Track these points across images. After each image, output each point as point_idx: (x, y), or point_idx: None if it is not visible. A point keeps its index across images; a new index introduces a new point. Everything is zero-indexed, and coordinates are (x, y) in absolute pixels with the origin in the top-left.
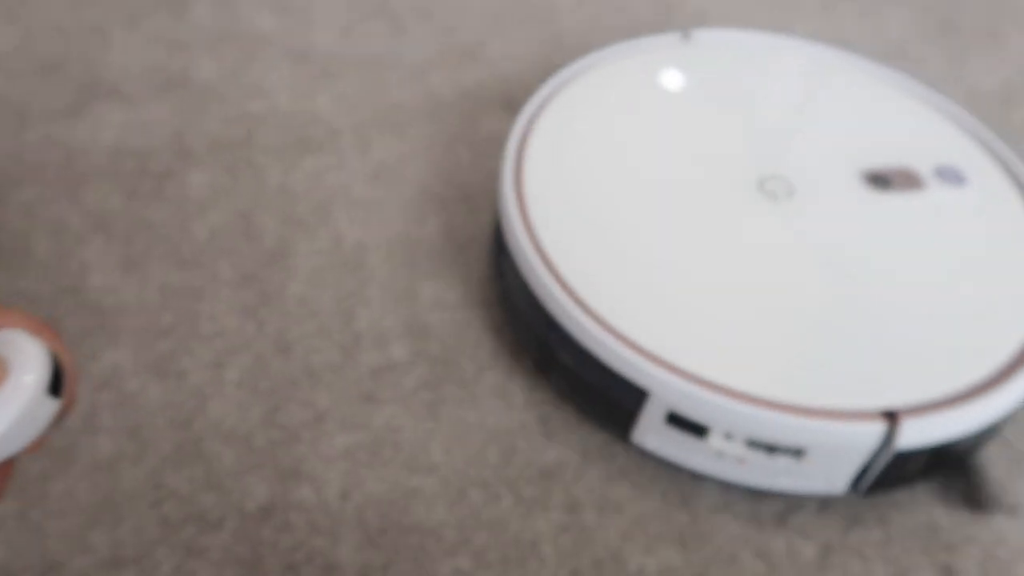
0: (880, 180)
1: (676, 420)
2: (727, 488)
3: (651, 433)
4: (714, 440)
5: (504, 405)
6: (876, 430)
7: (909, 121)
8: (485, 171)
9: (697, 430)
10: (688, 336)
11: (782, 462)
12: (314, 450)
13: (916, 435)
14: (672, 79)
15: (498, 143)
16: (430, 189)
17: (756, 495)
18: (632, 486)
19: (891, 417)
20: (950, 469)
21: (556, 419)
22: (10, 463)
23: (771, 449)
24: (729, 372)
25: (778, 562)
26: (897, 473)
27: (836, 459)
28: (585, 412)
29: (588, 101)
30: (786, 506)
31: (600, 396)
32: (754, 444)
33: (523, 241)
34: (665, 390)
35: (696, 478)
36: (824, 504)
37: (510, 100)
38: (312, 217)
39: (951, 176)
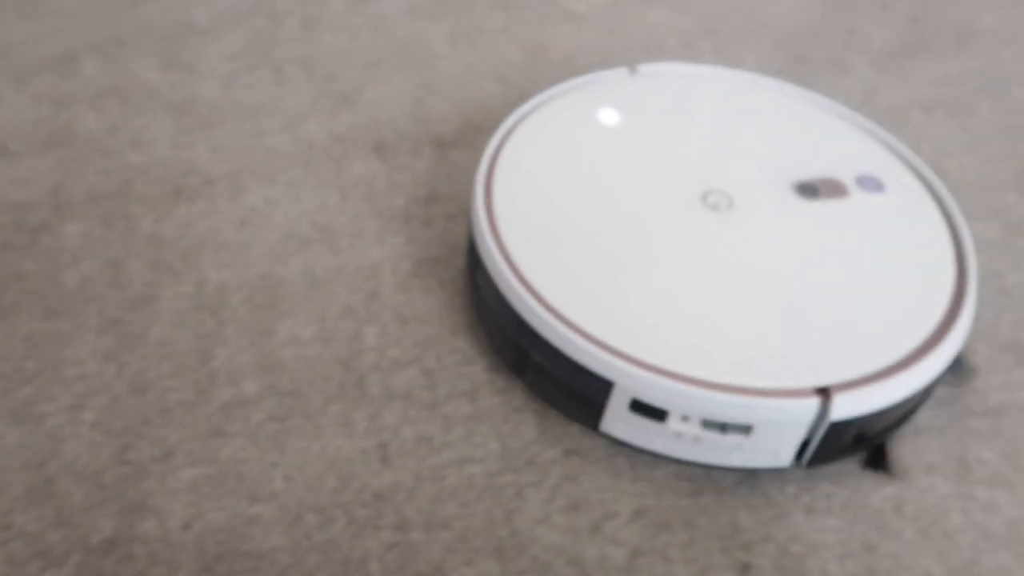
0: (809, 189)
1: (639, 407)
2: (550, 500)
3: (617, 421)
4: (672, 423)
5: (346, 433)
6: (812, 405)
7: (831, 136)
8: (352, 213)
9: (658, 415)
10: (647, 331)
11: (733, 439)
12: (161, 484)
13: (846, 408)
14: (624, 108)
15: (367, 186)
16: (296, 232)
17: (575, 507)
18: (459, 505)
19: (824, 393)
20: (874, 442)
21: (394, 445)
22: None
23: (723, 428)
24: (684, 361)
25: (589, 568)
26: (834, 444)
27: (780, 433)
28: (558, 407)
29: (549, 129)
30: (602, 515)
31: (571, 391)
32: (708, 424)
33: (496, 256)
34: (628, 380)
35: (519, 495)
36: (638, 512)
37: (380, 144)
38: (179, 263)
39: (871, 184)
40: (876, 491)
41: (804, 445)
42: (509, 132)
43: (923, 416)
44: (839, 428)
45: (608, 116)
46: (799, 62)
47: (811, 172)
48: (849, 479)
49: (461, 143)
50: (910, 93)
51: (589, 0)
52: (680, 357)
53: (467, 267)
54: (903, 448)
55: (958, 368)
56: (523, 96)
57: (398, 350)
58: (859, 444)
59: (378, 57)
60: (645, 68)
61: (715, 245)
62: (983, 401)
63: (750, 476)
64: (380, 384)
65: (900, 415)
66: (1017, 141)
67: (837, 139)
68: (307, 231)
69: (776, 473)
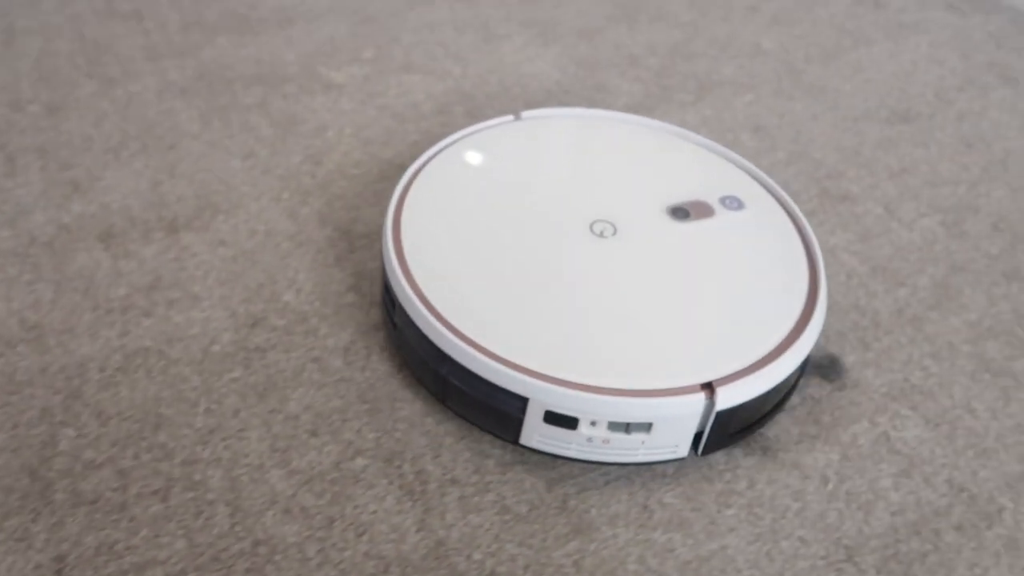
0: (681, 212)
1: (552, 418)
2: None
3: (534, 433)
4: (583, 428)
5: (24, 547)
6: (700, 399)
7: (694, 162)
8: (66, 308)
9: (570, 423)
10: (553, 349)
11: (638, 437)
12: None
13: (728, 398)
14: (513, 149)
15: (87, 278)
16: (2, 333)
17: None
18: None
19: (709, 387)
20: (754, 430)
21: (72, 558)
22: None
23: (627, 428)
24: (588, 372)
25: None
26: (723, 433)
27: (677, 427)
28: (479, 426)
29: (448, 174)
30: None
31: (490, 410)
32: (614, 426)
33: (412, 296)
34: (541, 395)
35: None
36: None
37: (109, 232)
38: None
39: (733, 203)
40: (559, 549)
41: (698, 437)
42: (410, 182)
43: (612, 468)
44: (724, 417)
45: (499, 159)
46: None
47: (681, 196)
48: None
49: (195, 225)
50: None
51: (349, 70)
52: (584, 369)
53: (383, 309)
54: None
55: (831, 367)
56: (269, 172)
57: (93, 452)
58: (742, 432)
59: (121, 141)
60: (527, 113)
61: (605, 268)
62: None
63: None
64: (68, 490)
65: (774, 403)
66: None
67: (700, 164)
68: (15, 331)
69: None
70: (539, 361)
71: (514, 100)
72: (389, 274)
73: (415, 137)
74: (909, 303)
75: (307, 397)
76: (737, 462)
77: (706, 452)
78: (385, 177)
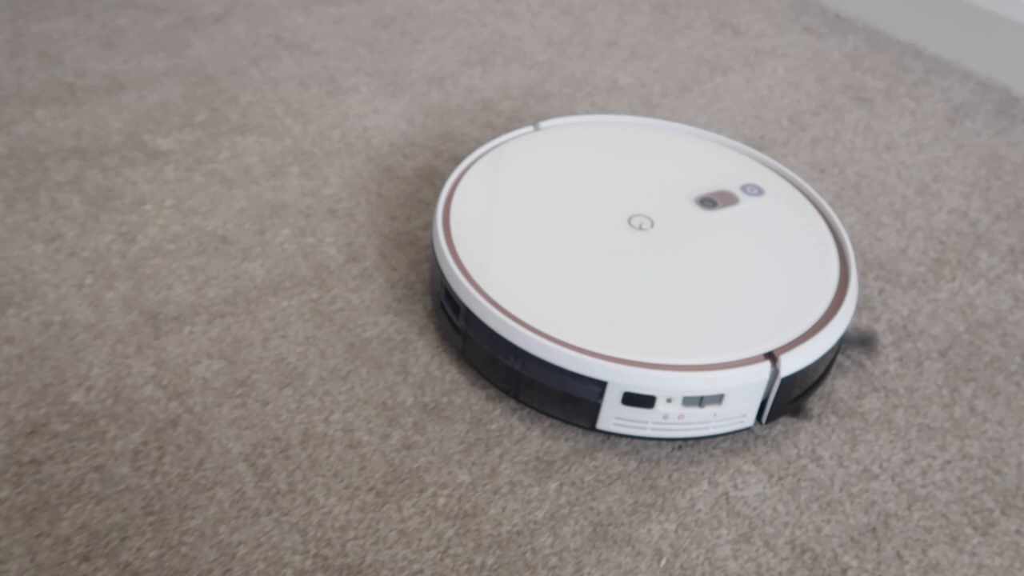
0: (708, 202)
1: (631, 399)
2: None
3: (611, 417)
4: (660, 406)
5: None
6: (766, 367)
7: (711, 156)
8: None
9: (647, 402)
10: (625, 334)
11: (710, 410)
12: None
13: (790, 365)
14: (541, 156)
15: None
16: None
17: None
18: None
19: (771, 356)
20: (807, 398)
21: None
22: None
23: (701, 401)
24: (661, 352)
25: None
26: (784, 400)
27: (746, 397)
28: (556, 416)
29: (485, 182)
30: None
31: (567, 398)
32: (689, 401)
33: (480, 299)
34: (620, 377)
35: None
36: None
37: None
38: None
39: (754, 190)
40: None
41: (762, 405)
42: (450, 195)
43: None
44: (787, 384)
45: (529, 166)
46: (387, 175)
47: (705, 187)
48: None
49: None
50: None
51: (178, 136)
52: (658, 349)
53: (444, 316)
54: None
55: (866, 339)
56: (74, 254)
57: None
58: (797, 400)
59: None
60: (546, 123)
61: (652, 257)
62: None
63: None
64: None
65: (822, 370)
66: None
67: (715, 157)
68: None
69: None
70: (615, 346)
71: (355, 156)
72: (451, 281)
73: (242, 203)
74: None
75: (83, 514)
76: (564, 543)
77: (770, 420)
78: (205, 250)
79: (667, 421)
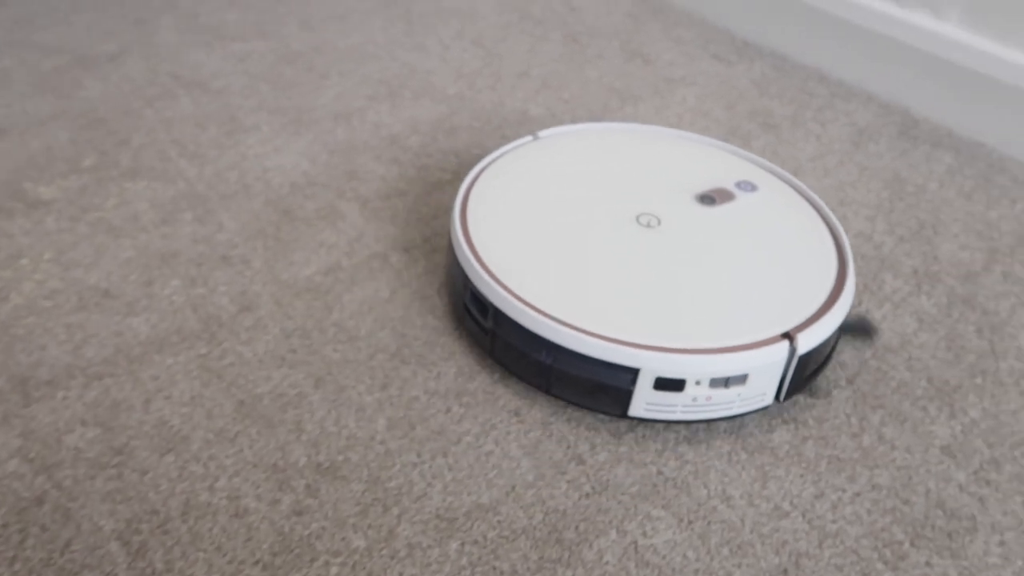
0: (708, 199)
1: (662, 383)
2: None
3: (642, 403)
4: (690, 389)
5: None
6: (785, 346)
7: (703, 157)
8: None
9: (677, 386)
10: (653, 322)
11: (735, 390)
12: None
13: (805, 343)
14: (545, 163)
15: None
16: None
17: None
18: None
19: (788, 336)
20: (816, 376)
21: None
22: None
23: (727, 382)
24: (688, 337)
25: None
26: (799, 377)
27: (767, 376)
28: (587, 407)
29: (494, 188)
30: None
31: (599, 388)
32: (715, 382)
33: (509, 297)
34: (652, 363)
35: None
36: None
37: None
38: None
39: (747, 187)
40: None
41: (781, 381)
42: (464, 205)
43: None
44: (802, 362)
45: (534, 173)
46: (286, 217)
47: (702, 186)
48: None
49: None
50: (397, 231)
51: (62, 183)
52: (685, 335)
53: (470, 319)
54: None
55: (863, 327)
56: None
57: None
58: (810, 377)
59: None
60: (544, 133)
61: (664, 251)
62: None
63: None
64: None
65: (828, 352)
66: None
67: (707, 157)
68: None
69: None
70: (645, 334)
71: (252, 198)
72: (478, 283)
73: (129, 254)
74: None
75: None
76: None
77: (787, 397)
78: (85, 305)
79: (696, 404)
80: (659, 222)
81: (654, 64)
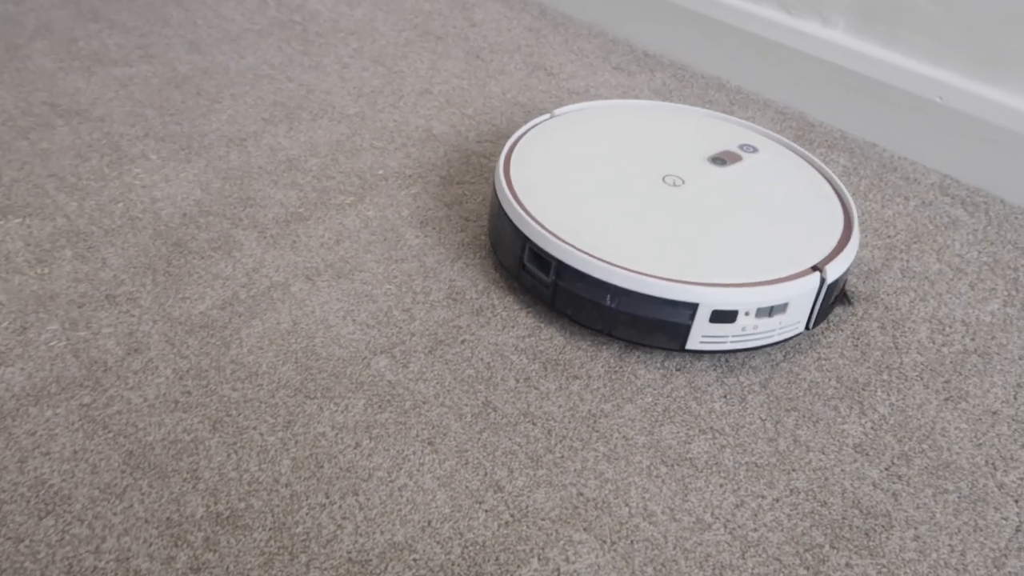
0: (719, 160)
1: (717, 316)
2: None
3: (698, 336)
4: (740, 319)
5: None
6: (816, 276)
7: (707, 125)
8: None
9: (730, 317)
10: (704, 262)
11: (776, 319)
12: None
13: (832, 273)
14: (569, 136)
15: None
16: None
17: None
18: None
19: (817, 268)
20: (834, 308)
21: None
22: None
23: (771, 311)
24: (738, 273)
25: None
26: (825, 307)
27: (802, 304)
28: (646, 344)
29: (529, 159)
30: None
31: (659, 325)
32: (761, 312)
33: (572, 250)
34: (709, 298)
35: None
36: None
37: None
38: None
39: (750, 149)
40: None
41: (812, 310)
42: (507, 174)
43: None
44: (829, 291)
45: (563, 144)
46: (177, 250)
47: (713, 150)
48: None
49: None
50: (298, 259)
51: None
52: (734, 270)
53: (528, 277)
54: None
55: (845, 297)
56: None
57: None
58: (830, 308)
59: None
60: (560, 110)
61: (697, 204)
62: None
63: None
64: None
65: (842, 285)
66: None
67: (710, 126)
68: None
69: None
70: (700, 273)
71: (140, 232)
72: (538, 240)
73: (0, 298)
74: (583, 398)
75: None
76: None
77: (815, 326)
78: None
79: (744, 333)
80: (683, 181)
81: (557, 76)
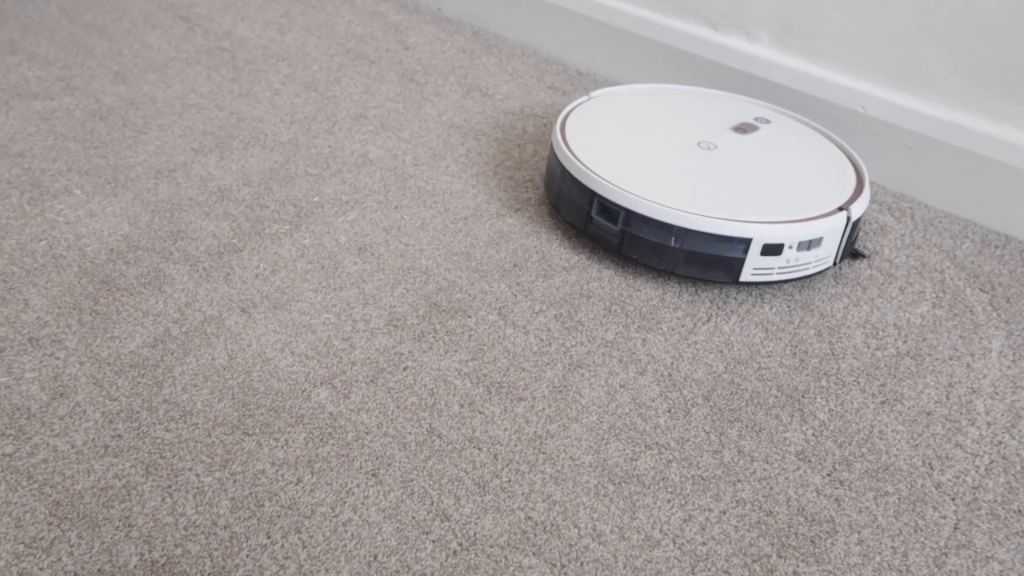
0: (741, 129)
1: (767, 249)
2: None
3: (750, 268)
4: (786, 252)
5: None
6: (843, 215)
7: (722, 102)
8: None
9: (777, 250)
10: (752, 203)
11: (815, 252)
12: None
13: (856, 212)
14: (610, 112)
15: None
16: None
17: None
18: None
19: (843, 208)
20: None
21: None
22: None
23: (809, 245)
24: (782, 211)
25: None
26: (849, 244)
27: (832, 240)
28: (704, 278)
29: (581, 128)
30: None
31: (717, 261)
32: (802, 245)
33: (641, 199)
34: (760, 233)
35: None
36: None
37: None
38: None
39: (763, 120)
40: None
41: (839, 245)
42: (565, 140)
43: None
44: (854, 230)
45: (607, 118)
46: (105, 288)
47: (733, 122)
48: None
49: None
50: (232, 291)
51: None
52: (779, 210)
53: (595, 228)
54: None
55: (858, 252)
56: None
57: None
58: (850, 252)
59: None
60: (596, 93)
61: (733, 161)
62: None
63: None
64: None
65: (857, 228)
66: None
67: (724, 102)
68: None
69: None
70: (750, 212)
71: (64, 270)
72: (607, 193)
73: None
74: (528, 420)
75: None
76: None
77: (840, 261)
78: None
79: (788, 265)
80: (716, 147)
81: (492, 97)
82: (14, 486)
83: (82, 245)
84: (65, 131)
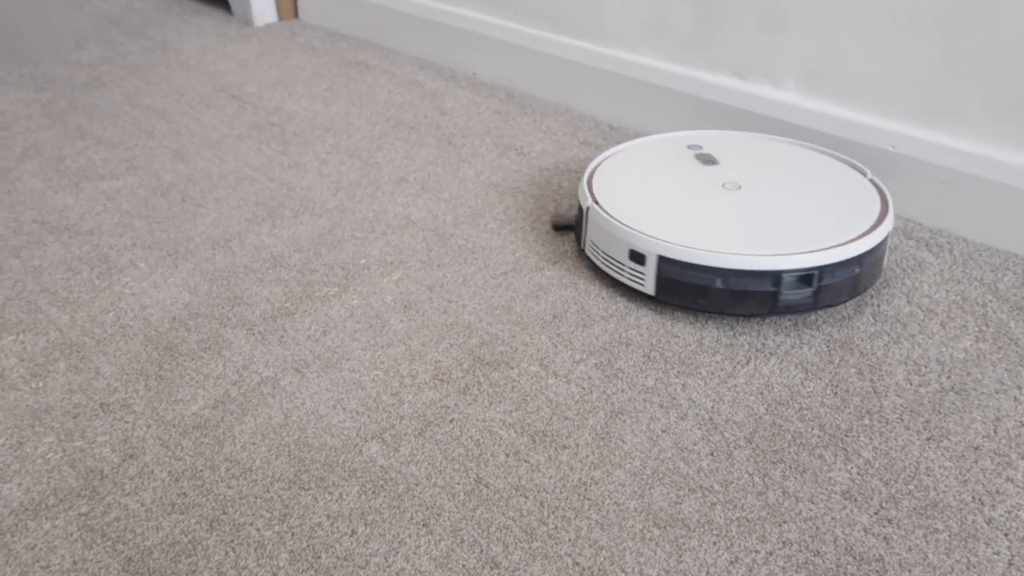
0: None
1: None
2: None
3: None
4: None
5: None
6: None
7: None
8: None
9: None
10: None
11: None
12: None
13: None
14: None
15: None
16: None
17: None
18: None
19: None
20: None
21: None
22: None
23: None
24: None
25: None
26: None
27: (875, 262)
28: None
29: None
30: None
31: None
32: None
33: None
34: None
35: None
36: None
37: None
38: None
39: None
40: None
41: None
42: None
43: None
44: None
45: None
46: (168, 354)
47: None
48: None
49: None
50: (286, 352)
51: None
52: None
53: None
54: None
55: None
56: None
57: None
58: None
59: None
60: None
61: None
62: None
63: None
64: None
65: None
66: None
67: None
68: None
69: None
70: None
71: (131, 339)
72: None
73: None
74: (572, 467)
75: None
76: None
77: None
78: None
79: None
80: (740, 187)
81: (527, 155)
82: (89, 544)
83: (147, 315)
84: (129, 208)
